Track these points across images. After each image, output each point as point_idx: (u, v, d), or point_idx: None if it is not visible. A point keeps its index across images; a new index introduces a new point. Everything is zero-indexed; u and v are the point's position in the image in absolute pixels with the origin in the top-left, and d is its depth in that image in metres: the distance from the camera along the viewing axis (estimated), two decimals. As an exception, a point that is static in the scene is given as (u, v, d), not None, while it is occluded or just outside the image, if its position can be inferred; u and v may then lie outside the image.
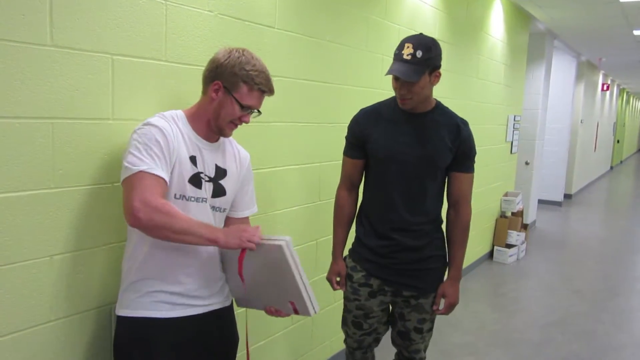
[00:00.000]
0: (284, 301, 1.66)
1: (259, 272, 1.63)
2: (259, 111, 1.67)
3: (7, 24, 1.43)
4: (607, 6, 5.65)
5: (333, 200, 2.31)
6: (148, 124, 1.54)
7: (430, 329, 2.26)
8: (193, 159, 1.61)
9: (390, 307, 2.30)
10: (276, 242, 1.55)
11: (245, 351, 1.88)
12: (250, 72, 1.57)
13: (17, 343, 1.55)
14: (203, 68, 1.66)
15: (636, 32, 7.06)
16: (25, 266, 1.54)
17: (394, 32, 3.37)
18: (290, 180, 2.64)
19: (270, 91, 1.65)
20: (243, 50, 1.61)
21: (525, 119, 6.97)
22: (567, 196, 10.24)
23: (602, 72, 12.78)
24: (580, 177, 11.32)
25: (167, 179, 1.51)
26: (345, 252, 2.31)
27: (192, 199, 1.61)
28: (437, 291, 2.17)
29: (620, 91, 18.51)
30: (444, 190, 2.21)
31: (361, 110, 2.22)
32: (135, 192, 1.43)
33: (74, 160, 1.62)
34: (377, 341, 2.34)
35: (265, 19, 2.34)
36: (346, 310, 2.27)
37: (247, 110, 1.62)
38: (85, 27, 1.61)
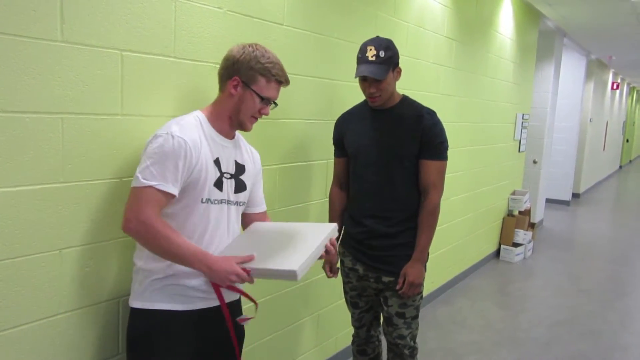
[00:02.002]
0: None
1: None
2: (275, 103, 1.71)
3: (18, 20, 1.44)
4: (618, 4, 5.61)
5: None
6: (168, 134, 1.54)
7: (416, 317, 2.33)
8: (217, 162, 1.64)
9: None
10: (286, 268, 1.51)
11: (252, 346, 1.88)
12: (267, 65, 1.62)
13: (26, 335, 1.57)
14: (212, 65, 1.67)
15: (647, 31, 7.00)
16: (34, 259, 1.56)
17: (403, 29, 3.36)
18: (298, 176, 2.64)
19: (287, 81, 1.70)
20: (256, 44, 1.66)
21: (534, 117, 6.94)
22: (575, 195, 10.18)
23: (612, 70, 12.68)
24: (588, 176, 11.25)
25: (175, 192, 1.53)
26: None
27: (216, 201, 1.65)
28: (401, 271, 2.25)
29: (631, 90, 18.36)
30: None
31: (342, 114, 2.42)
32: (134, 204, 1.49)
33: (83, 155, 1.63)
34: (377, 319, 2.50)
35: (274, 16, 2.34)
36: (344, 291, 2.48)
37: (267, 102, 1.67)
38: (95, 23, 1.62)
